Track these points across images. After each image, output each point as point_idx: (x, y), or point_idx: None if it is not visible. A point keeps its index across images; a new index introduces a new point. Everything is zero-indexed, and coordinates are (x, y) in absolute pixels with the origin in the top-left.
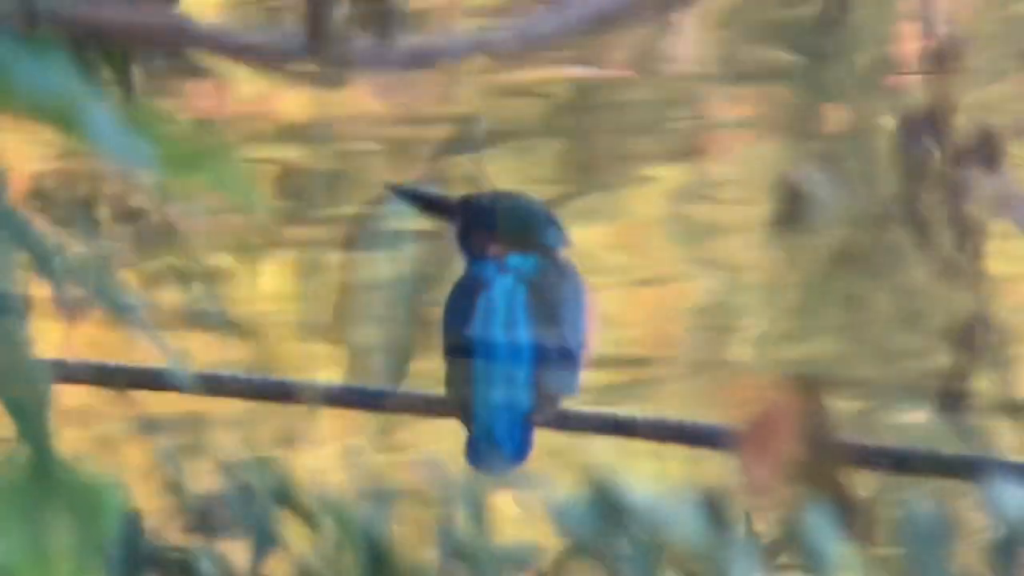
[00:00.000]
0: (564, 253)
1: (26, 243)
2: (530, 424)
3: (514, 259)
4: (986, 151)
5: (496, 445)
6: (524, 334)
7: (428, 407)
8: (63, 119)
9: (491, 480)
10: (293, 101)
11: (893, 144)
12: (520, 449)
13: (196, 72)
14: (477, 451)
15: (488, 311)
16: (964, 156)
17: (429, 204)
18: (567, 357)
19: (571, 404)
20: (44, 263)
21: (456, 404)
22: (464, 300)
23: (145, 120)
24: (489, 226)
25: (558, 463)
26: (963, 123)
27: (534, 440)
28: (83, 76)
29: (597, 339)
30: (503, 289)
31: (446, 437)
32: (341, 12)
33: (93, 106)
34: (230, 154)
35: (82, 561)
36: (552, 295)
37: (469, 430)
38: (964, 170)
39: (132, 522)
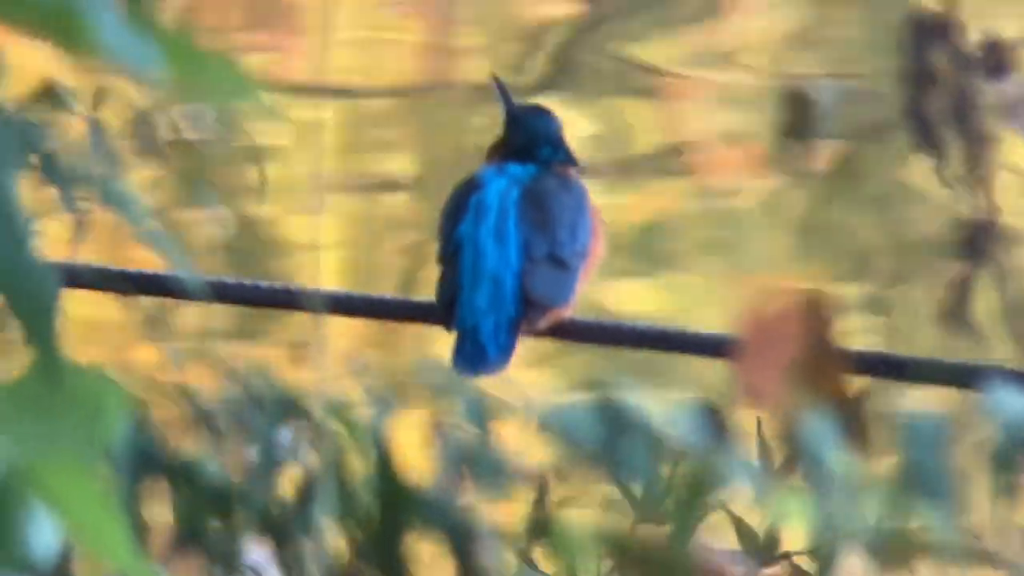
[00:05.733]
0: (570, 171)
1: (33, 145)
2: (515, 330)
3: (514, 167)
4: (994, 58)
5: (480, 349)
6: (513, 237)
7: (422, 314)
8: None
9: (487, 385)
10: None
11: (902, 51)
12: (503, 354)
13: None
14: (461, 354)
15: (479, 212)
16: (972, 63)
17: (506, 104)
18: (560, 265)
19: (573, 313)
20: (51, 166)
21: (443, 308)
22: (457, 202)
23: (150, 24)
24: (505, 136)
25: (560, 372)
26: (971, 30)
27: (517, 346)
28: None
29: (599, 255)
30: (496, 190)
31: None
32: None
33: (98, 8)
34: (235, 61)
35: (87, 464)
36: (549, 203)
37: (454, 333)
38: (972, 77)
39: (138, 427)
